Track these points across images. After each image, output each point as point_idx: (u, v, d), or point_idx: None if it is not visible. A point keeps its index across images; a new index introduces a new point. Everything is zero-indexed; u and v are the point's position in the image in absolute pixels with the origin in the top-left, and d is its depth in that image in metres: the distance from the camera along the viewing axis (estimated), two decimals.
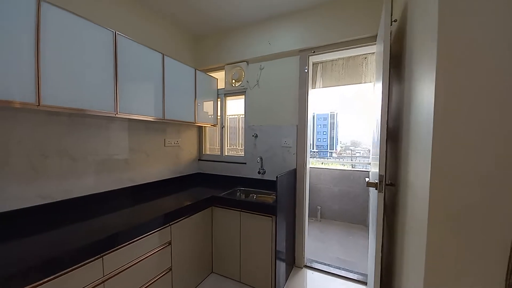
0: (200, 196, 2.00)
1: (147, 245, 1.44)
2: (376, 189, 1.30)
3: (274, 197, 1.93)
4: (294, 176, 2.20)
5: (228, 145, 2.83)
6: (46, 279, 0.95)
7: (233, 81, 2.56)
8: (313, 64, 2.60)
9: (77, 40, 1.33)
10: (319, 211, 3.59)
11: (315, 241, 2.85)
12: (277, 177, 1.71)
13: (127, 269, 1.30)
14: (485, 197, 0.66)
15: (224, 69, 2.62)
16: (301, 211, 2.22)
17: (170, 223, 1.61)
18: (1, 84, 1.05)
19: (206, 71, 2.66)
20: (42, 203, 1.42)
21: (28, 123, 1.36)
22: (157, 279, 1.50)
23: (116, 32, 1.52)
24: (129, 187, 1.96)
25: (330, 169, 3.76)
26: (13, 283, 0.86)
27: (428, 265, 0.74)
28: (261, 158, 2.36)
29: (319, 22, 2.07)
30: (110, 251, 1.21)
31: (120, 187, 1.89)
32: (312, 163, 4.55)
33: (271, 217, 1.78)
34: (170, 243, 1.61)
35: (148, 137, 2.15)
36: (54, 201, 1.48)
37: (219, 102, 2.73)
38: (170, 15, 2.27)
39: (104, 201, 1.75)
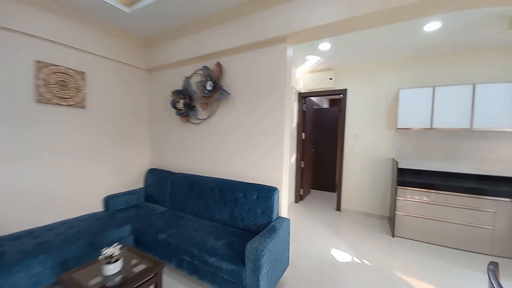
0: None
1: (476, 202, 2.55)
2: None
3: None
4: None
5: None
6: (434, 190, 2.75)
7: None
8: None
9: (453, 95, 2.83)
10: None
11: None
12: None
13: (452, 206, 2.62)
14: None
15: None
16: None
17: (496, 198, 2.46)
18: (412, 119, 3.01)
19: None
20: (432, 170, 3.23)
21: (425, 136, 3.23)
22: (475, 227, 2.54)
23: (475, 83, 2.72)
24: (477, 174, 2.98)
25: None
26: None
27: None
28: None
29: None
30: (452, 193, 2.64)
31: (470, 173, 3.03)
32: None
33: None
34: (495, 212, 2.46)
35: (500, 142, 2.86)
36: (441, 171, 3.19)
37: None
38: None
39: (461, 177, 3.06)
